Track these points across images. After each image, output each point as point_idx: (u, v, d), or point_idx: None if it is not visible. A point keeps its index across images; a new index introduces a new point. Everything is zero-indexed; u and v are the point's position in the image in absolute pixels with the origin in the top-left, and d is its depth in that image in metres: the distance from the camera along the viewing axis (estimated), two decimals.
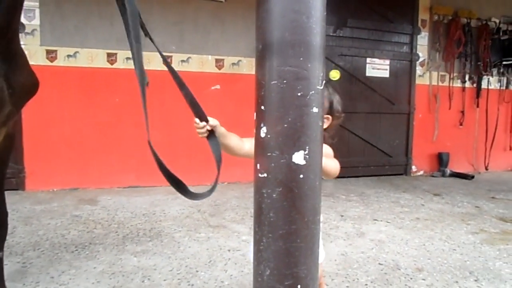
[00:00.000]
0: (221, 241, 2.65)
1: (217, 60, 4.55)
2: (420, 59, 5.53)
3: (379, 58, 5.32)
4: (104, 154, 4.22)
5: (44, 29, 4.11)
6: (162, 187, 4.03)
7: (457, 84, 5.74)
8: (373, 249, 2.59)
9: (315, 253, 0.95)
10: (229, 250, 2.48)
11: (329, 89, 1.50)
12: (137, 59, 1.15)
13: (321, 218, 0.98)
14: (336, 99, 1.52)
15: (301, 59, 0.86)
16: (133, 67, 1.18)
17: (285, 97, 0.86)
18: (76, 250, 2.45)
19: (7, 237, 1.72)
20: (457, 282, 2.13)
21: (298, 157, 0.87)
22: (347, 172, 5.17)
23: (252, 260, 1.39)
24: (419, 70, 5.54)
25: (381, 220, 3.27)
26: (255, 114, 0.92)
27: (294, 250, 0.91)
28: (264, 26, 0.88)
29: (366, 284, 2.06)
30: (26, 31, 4.04)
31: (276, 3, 0.84)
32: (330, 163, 1.41)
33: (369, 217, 3.36)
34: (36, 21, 4.11)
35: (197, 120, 1.30)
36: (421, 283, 2.10)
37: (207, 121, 1.30)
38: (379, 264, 2.35)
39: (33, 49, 4.05)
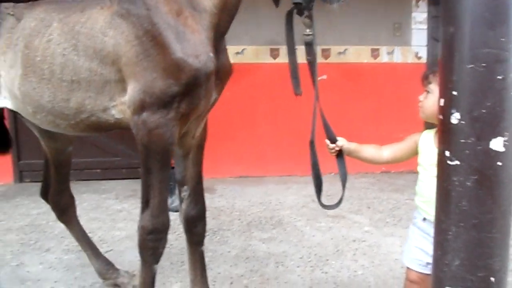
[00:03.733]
0: (344, 231, 2.65)
1: (322, 50, 4.51)
2: None
3: None
4: (217, 145, 4.51)
5: None
6: (271, 177, 4.15)
7: None
8: None
9: (508, 245, 0.90)
10: (354, 241, 2.48)
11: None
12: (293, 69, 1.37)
13: None
14: None
15: (503, 39, 0.81)
16: None
17: (484, 81, 0.82)
18: (208, 235, 2.67)
19: None
20: None
21: (497, 144, 0.83)
22: None
23: (404, 260, 1.39)
24: None
25: None
26: (442, 100, 0.90)
27: (489, 240, 0.87)
28: (456, 7, 0.85)
29: None
30: None
31: None
32: None
33: None
34: None
35: (327, 141, 1.42)
36: None
37: (335, 141, 1.41)
38: None
39: None
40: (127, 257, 2.35)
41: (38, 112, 1.49)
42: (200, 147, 1.66)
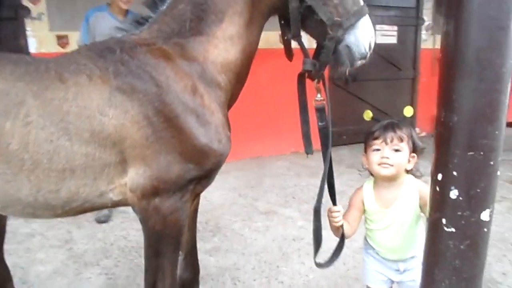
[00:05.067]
0: (281, 230, 2.81)
1: None
2: (426, 23, 5.59)
3: (387, 24, 5.35)
4: None
5: (52, 13, 3.86)
6: None
7: None
8: None
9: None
10: (293, 240, 2.66)
11: (406, 125, 1.47)
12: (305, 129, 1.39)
13: None
14: (415, 135, 1.49)
15: (497, 132, 0.95)
16: None
17: (480, 166, 0.96)
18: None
19: None
20: (505, 255, 2.41)
21: (486, 215, 1.00)
22: (358, 138, 5.39)
23: (368, 283, 1.57)
24: (424, 34, 5.62)
25: None
26: (440, 175, 1.02)
27: None
28: (458, 100, 0.95)
29: None
30: (32, 15, 3.79)
31: None
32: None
33: None
34: (43, 5, 3.85)
35: (337, 208, 1.42)
36: None
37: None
38: None
39: (43, 35, 3.84)
40: None
41: (10, 206, 1.18)
42: (195, 211, 1.57)
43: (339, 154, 5.06)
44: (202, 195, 3.44)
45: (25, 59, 1.23)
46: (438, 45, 5.87)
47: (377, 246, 1.51)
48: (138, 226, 3.05)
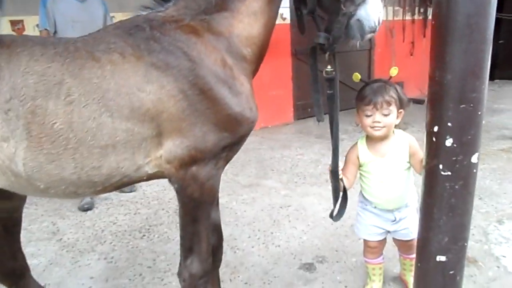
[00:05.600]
0: (267, 200, 2.95)
1: None
2: None
3: None
4: None
5: None
6: None
7: (408, 18, 6.25)
8: None
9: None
10: (281, 207, 2.81)
11: (391, 84, 1.64)
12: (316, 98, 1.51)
13: None
14: (400, 90, 1.66)
15: (483, 86, 1.12)
16: None
17: (470, 116, 1.12)
18: (144, 235, 2.60)
19: None
20: None
21: (475, 158, 1.18)
22: (323, 109, 5.65)
23: (362, 235, 1.76)
24: None
25: None
26: (436, 127, 1.18)
27: (466, 221, 1.26)
28: (453, 61, 1.10)
29: None
30: None
31: None
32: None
33: None
34: None
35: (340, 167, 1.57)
36: None
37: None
38: None
39: None
40: None
41: (53, 187, 1.17)
42: None
43: (307, 126, 5.27)
44: None
45: (50, 40, 1.22)
46: (390, 17, 6.16)
47: (374, 199, 1.68)
48: (125, 211, 3.08)
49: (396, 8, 6.08)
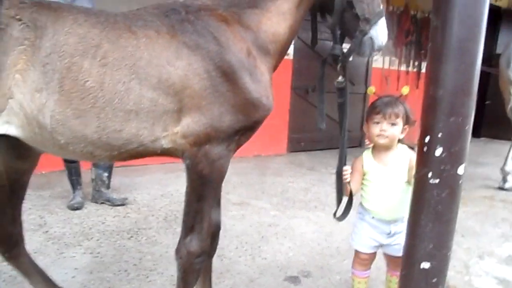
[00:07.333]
0: (256, 218, 3.00)
1: None
2: None
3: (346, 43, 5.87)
4: None
5: None
6: (154, 165, 4.05)
7: (403, 68, 6.62)
8: None
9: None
10: (269, 225, 2.85)
11: (401, 102, 1.81)
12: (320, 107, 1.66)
13: None
14: (407, 108, 1.85)
15: (470, 105, 1.25)
16: None
17: (459, 128, 1.25)
18: (132, 236, 2.60)
19: None
20: None
21: (461, 169, 1.29)
22: (316, 145, 5.81)
23: (356, 246, 1.82)
24: (375, 55, 6.24)
25: None
26: (427, 137, 1.30)
27: (451, 228, 1.34)
28: (441, 76, 1.24)
29: None
30: None
31: None
32: None
33: None
34: None
35: (345, 167, 1.70)
36: None
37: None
38: None
39: None
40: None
41: (73, 144, 1.23)
42: None
43: (298, 158, 5.40)
44: (177, 189, 3.51)
45: (94, 11, 1.33)
46: (386, 65, 6.52)
47: (373, 207, 1.75)
48: (115, 213, 3.09)
49: (393, 58, 6.44)
